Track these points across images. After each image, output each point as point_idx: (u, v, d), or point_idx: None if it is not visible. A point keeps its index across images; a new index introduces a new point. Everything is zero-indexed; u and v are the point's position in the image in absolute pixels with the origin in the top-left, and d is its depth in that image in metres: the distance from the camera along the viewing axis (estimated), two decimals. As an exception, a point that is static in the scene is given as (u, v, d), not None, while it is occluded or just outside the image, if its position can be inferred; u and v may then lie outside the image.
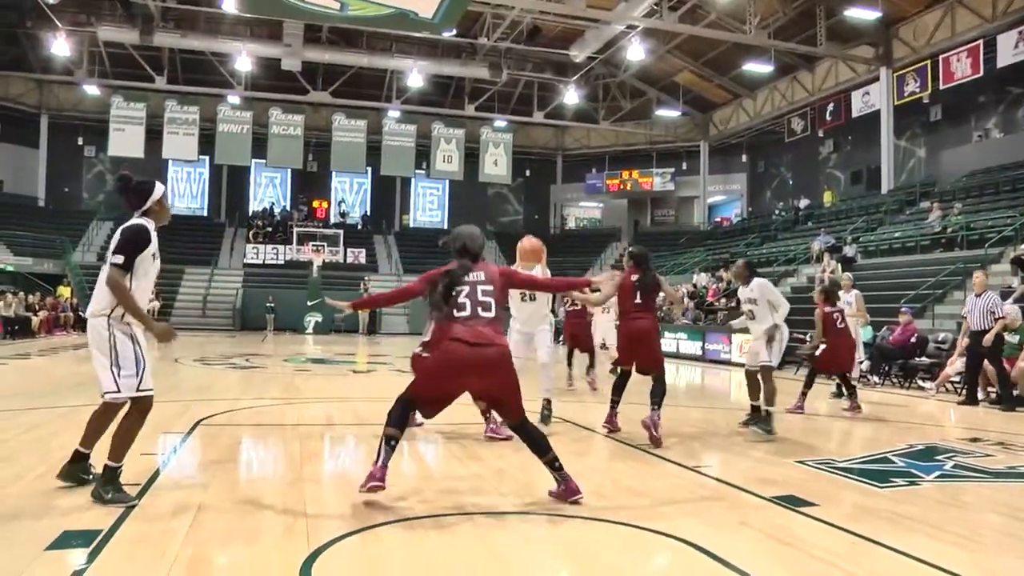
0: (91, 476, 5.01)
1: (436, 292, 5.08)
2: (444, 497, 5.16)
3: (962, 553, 4.19)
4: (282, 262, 38.34)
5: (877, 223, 27.32)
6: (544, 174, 45.70)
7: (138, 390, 4.84)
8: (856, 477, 6.19)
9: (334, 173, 42.57)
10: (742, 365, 12.08)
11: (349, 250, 39.10)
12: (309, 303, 33.77)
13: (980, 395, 12.10)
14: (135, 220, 4.97)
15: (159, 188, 5.09)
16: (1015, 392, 11.55)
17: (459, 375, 4.98)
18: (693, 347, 22.66)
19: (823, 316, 10.34)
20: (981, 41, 24.72)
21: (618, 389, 7.99)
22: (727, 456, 7.21)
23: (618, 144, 43.46)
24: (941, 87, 26.29)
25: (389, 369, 16.31)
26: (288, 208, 42.75)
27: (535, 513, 4.83)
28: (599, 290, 7.22)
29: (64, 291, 31.25)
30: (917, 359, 14.65)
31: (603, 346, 18.37)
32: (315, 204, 43.48)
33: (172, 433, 7.29)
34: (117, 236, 4.89)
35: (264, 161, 38.37)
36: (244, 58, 33.22)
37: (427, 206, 45.88)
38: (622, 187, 43.55)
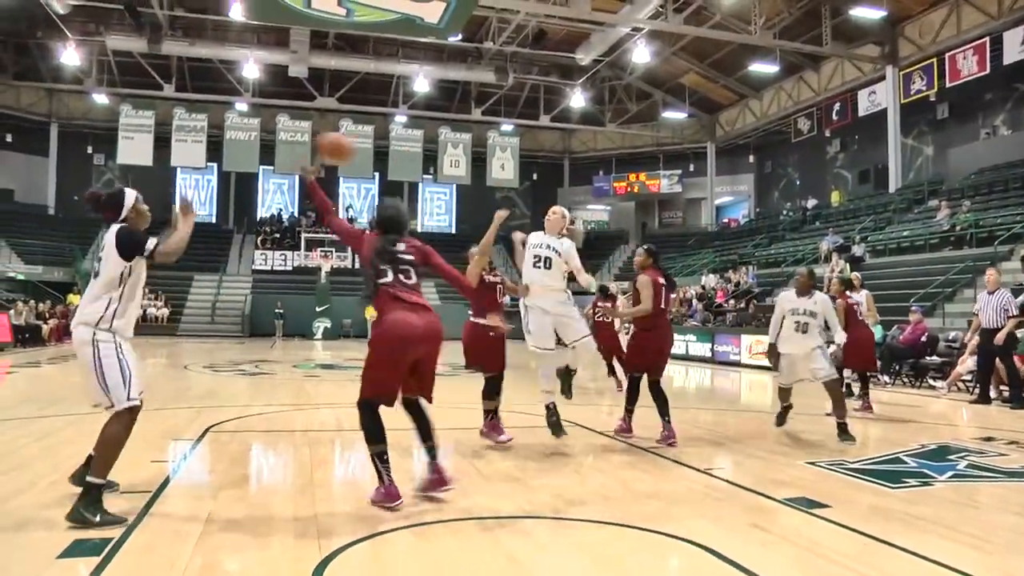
0: (114, 488, 5.02)
1: (372, 265, 5.15)
2: (454, 501, 5.14)
3: (977, 554, 4.16)
4: (291, 268, 38.44)
5: (885, 222, 27.23)
6: (551, 177, 45.71)
7: (128, 399, 4.75)
8: (868, 478, 6.14)
9: (342, 179, 42.62)
10: (751, 367, 12.12)
11: (357, 255, 39.08)
12: (318, 309, 33.87)
13: (992, 394, 12.04)
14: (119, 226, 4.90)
15: (130, 194, 5.04)
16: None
17: (412, 345, 4.96)
18: (703, 349, 22.62)
19: (846, 307, 10.30)
20: (987, 38, 24.66)
21: (634, 397, 7.90)
22: (738, 458, 7.18)
23: (625, 146, 43.44)
24: (948, 85, 26.22)
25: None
26: (296, 214, 42.83)
27: (546, 517, 4.82)
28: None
29: (74, 299, 31.33)
30: (928, 358, 14.60)
31: None
32: (323, 210, 43.43)
33: (182, 440, 7.30)
34: (113, 239, 4.80)
35: (272, 167, 38.46)
36: (251, 65, 33.39)
37: (435, 211, 45.95)
38: (629, 189, 43.53)
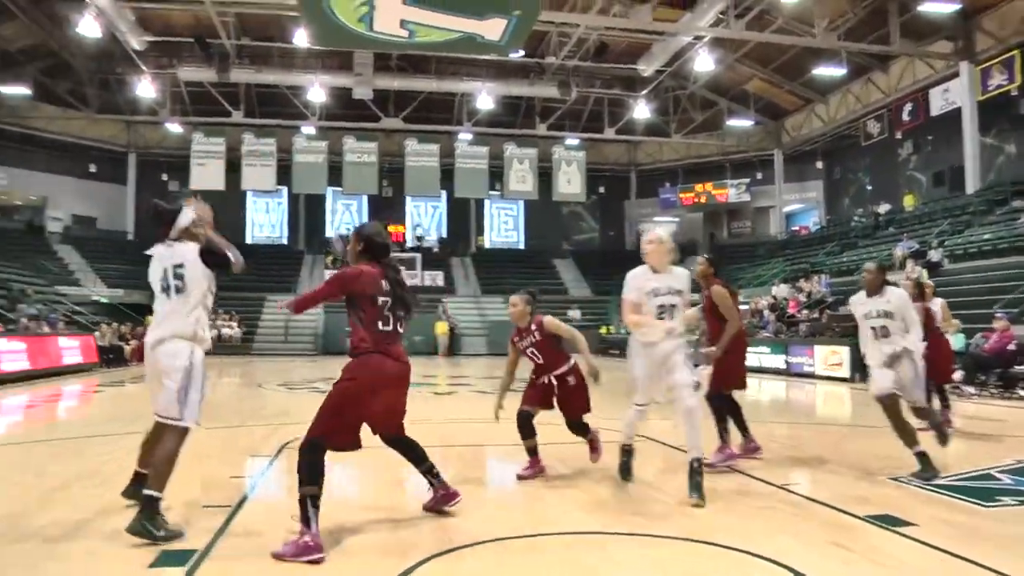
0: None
1: (372, 307, 4.71)
2: (531, 517, 5.14)
3: (1078, 576, 3.98)
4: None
5: (963, 225, 26.37)
6: (618, 190, 45.57)
7: (194, 421, 4.90)
8: (957, 495, 5.90)
9: (409, 197, 43.06)
10: (827, 378, 11.79)
11: (426, 273, 39.44)
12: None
13: None
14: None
15: (185, 216, 5.21)
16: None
17: (379, 393, 4.73)
18: (776, 361, 22.26)
19: (923, 311, 9.44)
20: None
21: (737, 412, 7.50)
22: (816, 473, 7.03)
23: (691, 157, 43.11)
24: (1032, 78, 25.28)
25: (470, 390, 16.38)
26: (366, 234, 43.28)
27: (625, 533, 4.78)
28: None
29: (148, 319, 32.27)
30: (1017, 367, 14.08)
31: None
32: (391, 229, 43.96)
33: (259, 456, 7.42)
34: (197, 256, 5.02)
35: (340, 188, 39.09)
36: (317, 89, 34.01)
37: (502, 227, 46.08)
38: (696, 200, 43.13)
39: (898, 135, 32.36)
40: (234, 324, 33.92)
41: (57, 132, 37.45)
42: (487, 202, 44.18)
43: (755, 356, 22.77)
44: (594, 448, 6.77)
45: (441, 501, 5.17)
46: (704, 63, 31.46)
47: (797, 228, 41.21)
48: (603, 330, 36.23)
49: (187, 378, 4.85)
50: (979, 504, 5.62)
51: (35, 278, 31.13)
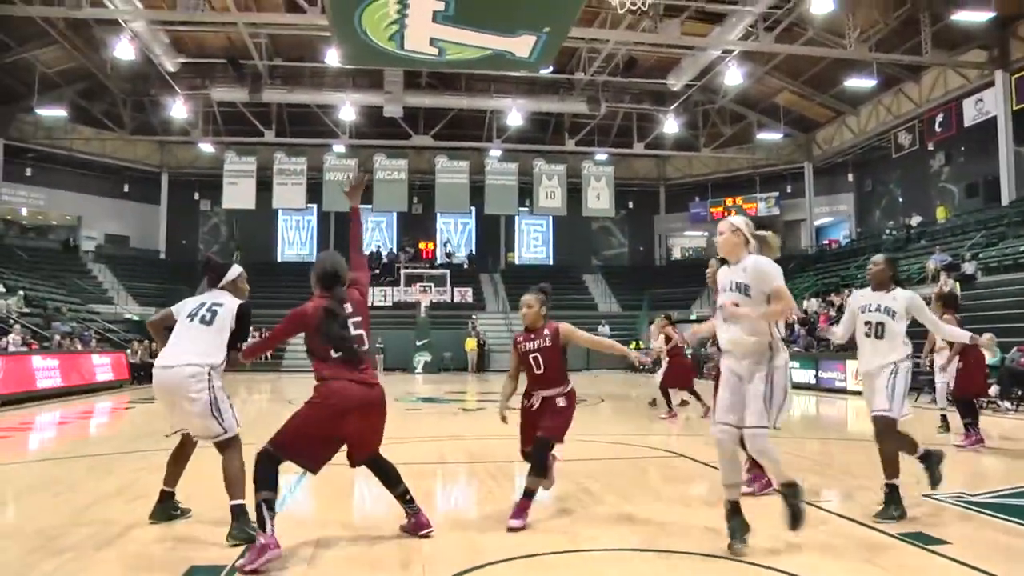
0: (179, 511, 5.44)
1: (325, 338, 4.77)
2: (560, 534, 5.12)
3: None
4: (390, 304, 39.03)
5: (998, 238, 26.01)
6: (647, 205, 45.45)
7: (236, 426, 5.18)
8: (993, 513, 5.79)
9: (439, 214, 43.25)
10: (858, 393, 11.55)
11: (456, 290, 39.55)
12: (418, 343, 34.33)
13: None
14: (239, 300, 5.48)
15: (235, 270, 5.65)
16: None
17: (345, 417, 4.71)
18: (806, 376, 22.06)
19: (956, 323, 9.16)
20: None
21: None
22: (847, 489, 6.95)
23: (720, 171, 42.92)
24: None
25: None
26: (395, 250, 43.59)
27: (653, 550, 4.75)
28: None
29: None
30: (1056, 382, 13.84)
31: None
32: (421, 245, 44.22)
33: (288, 473, 7.44)
34: (236, 311, 5.39)
35: (370, 206, 39.29)
36: (348, 108, 34.31)
37: (532, 243, 46.11)
38: (726, 214, 42.63)
39: (930, 146, 32.01)
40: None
41: (92, 153, 38.08)
42: (516, 218, 44.23)
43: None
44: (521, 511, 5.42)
45: (414, 528, 5.15)
46: (733, 77, 31.35)
47: (827, 241, 40.88)
48: (633, 346, 36.08)
49: (212, 400, 5.07)
50: (1015, 522, 5.51)
51: (69, 296, 31.60)
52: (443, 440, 10.86)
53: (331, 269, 5.00)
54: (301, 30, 28.92)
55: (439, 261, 43.18)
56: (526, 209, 40.84)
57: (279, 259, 42.06)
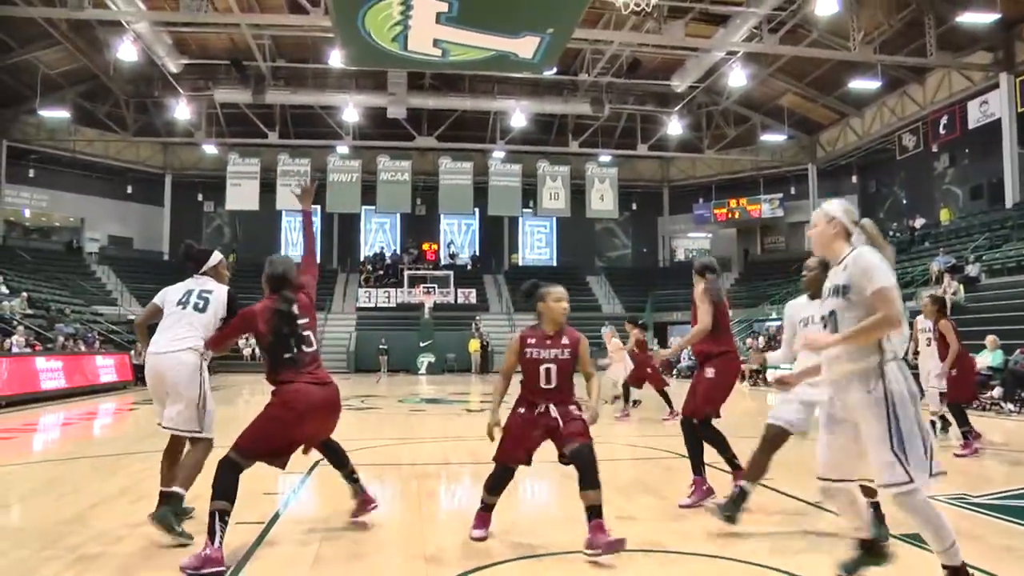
0: (189, 515, 5.38)
1: (275, 338, 4.81)
2: (562, 534, 5.12)
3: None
4: (394, 305, 39.10)
5: (1002, 240, 25.97)
6: (651, 207, 45.44)
7: (212, 432, 5.24)
8: (996, 514, 5.79)
9: (442, 215, 43.26)
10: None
11: (460, 291, 39.57)
12: (421, 344, 34.35)
13: None
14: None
15: (216, 256, 5.77)
16: None
17: (305, 420, 4.77)
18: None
19: (953, 329, 9.20)
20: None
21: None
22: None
23: (724, 172, 42.91)
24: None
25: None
26: (398, 252, 43.64)
27: (655, 551, 4.75)
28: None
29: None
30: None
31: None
32: (425, 247, 44.25)
33: (292, 473, 7.45)
34: (226, 297, 5.52)
35: (374, 207, 39.35)
36: (351, 109, 34.32)
37: (535, 244, 46.13)
38: (730, 216, 42.91)
39: (934, 148, 31.97)
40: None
41: (95, 155, 38.18)
42: (520, 220, 44.26)
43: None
44: (598, 530, 4.76)
45: (361, 506, 5.46)
46: (737, 78, 31.32)
47: (832, 243, 40.78)
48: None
49: (201, 391, 5.17)
50: (1016, 523, 5.51)
51: (73, 298, 31.64)
52: (447, 441, 10.85)
53: (280, 272, 5.06)
54: (304, 31, 28.99)
55: (443, 262, 43.21)
56: (530, 210, 40.84)
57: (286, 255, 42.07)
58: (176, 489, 4.95)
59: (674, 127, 36.66)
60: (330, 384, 4.95)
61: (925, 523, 3.58)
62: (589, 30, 27.21)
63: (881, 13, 27.29)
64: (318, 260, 5.87)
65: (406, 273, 39.95)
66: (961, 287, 21.90)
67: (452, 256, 43.92)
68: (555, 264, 45.25)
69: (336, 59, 29.22)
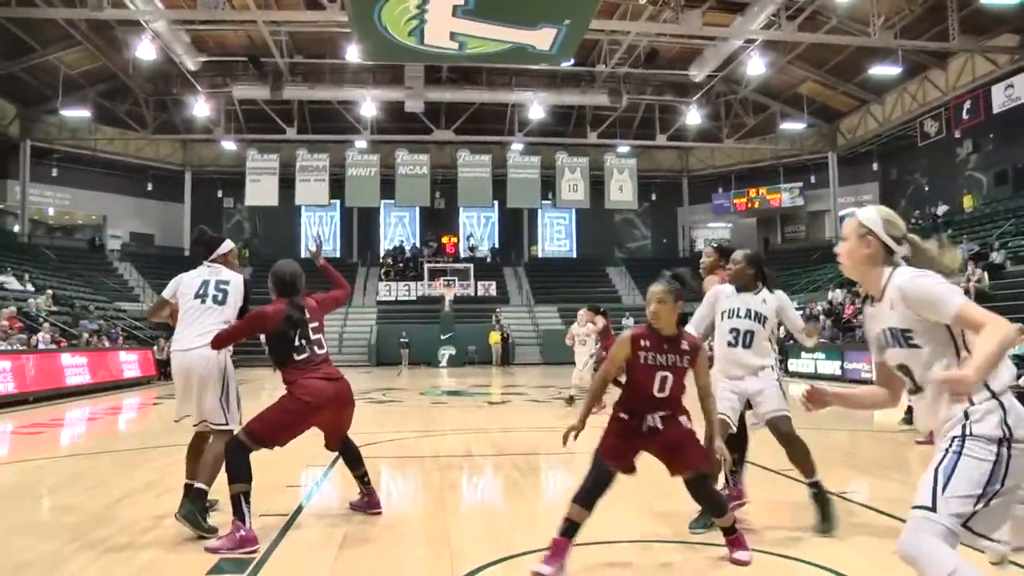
0: (211, 504, 5.38)
1: (288, 341, 4.99)
2: (585, 525, 5.12)
3: None
4: (414, 298, 39.17)
5: (1029, 226, 25.70)
6: (670, 197, 45.24)
7: (239, 423, 5.22)
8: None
9: (461, 208, 43.26)
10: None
11: (480, 283, 39.58)
12: (442, 336, 34.44)
13: None
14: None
15: (227, 244, 5.80)
16: None
17: (318, 412, 4.95)
18: (832, 367, 21.93)
19: None
20: None
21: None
22: (874, 480, 6.92)
23: (743, 161, 42.65)
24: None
25: (524, 400, 16.38)
26: (418, 245, 43.70)
27: (676, 541, 4.75)
28: None
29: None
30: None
31: None
32: (444, 240, 44.29)
33: (315, 466, 7.50)
34: (243, 286, 5.55)
35: (393, 201, 39.42)
36: (369, 104, 34.38)
37: (555, 236, 46.05)
38: (750, 205, 42.68)
39: (956, 134, 31.55)
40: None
41: (116, 153, 38.40)
42: (539, 211, 44.21)
43: (810, 362, 22.47)
44: (737, 544, 4.41)
45: (364, 506, 5.55)
46: (756, 66, 31.09)
47: (853, 231, 40.49)
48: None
49: (225, 384, 5.19)
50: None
51: (96, 295, 31.91)
52: (468, 433, 10.88)
53: (288, 278, 5.22)
54: (321, 27, 29.00)
55: (462, 255, 43.23)
56: (549, 202, 40.79)
57: (302, 255, 42.22)
58: (200, 485, 4.98)
59: (692, 117, 36.47)
60: (341, 379, 5.10)
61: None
62: (606, 21, 27.08)
63: (902, -2, 27.00)
64: (346, 284, 5.98)
65: (426, 266, 40.01)
66: (985, 274, 21.68)
67: (472, 249, 43.94)
68: (575, 256, 45.16)
69: (353, 54, 29.26)
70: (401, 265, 41.68)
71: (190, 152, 41.37)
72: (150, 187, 40.40)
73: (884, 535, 4.84)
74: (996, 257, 23.72)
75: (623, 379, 4.31)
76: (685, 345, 4.26)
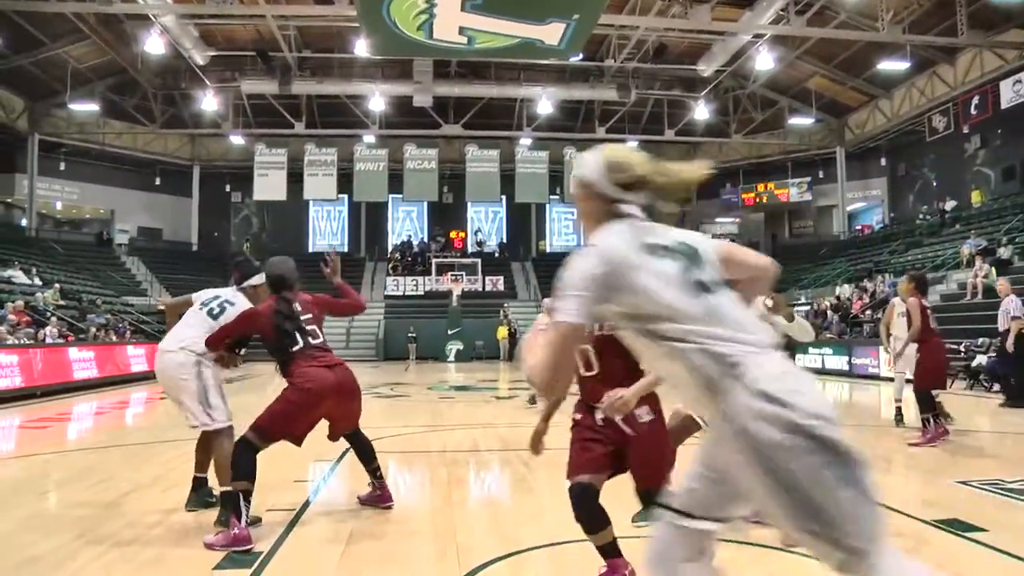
0: (215, 499, 5.41)
1: (281, 333, 5.03)
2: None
3: None
4: (422, 293, 39.22)
5: (1036, 221, 25.60)
6: (678, 192, 45.05)
7: (226, 420, 5.32)
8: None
9: (469, 203, 43.20)
10: (891, 380, 11.30)
11: (487, 278, 39.60)
12: (450, 331, 34.46)
13: None
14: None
15: (259, 276, 5.70)
16: None
17: (322, 400, 4.96)
18: (839, 362, 21.87)
19: (920, 308, 8.63)
20: None
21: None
22: (881, 476, 6.87)
23: (751, 157, 42.54)
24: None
25: (531, 394, 16.37)
26: (426, 240, 43.73)
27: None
28: None
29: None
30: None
31: None
32: (452, 235, 44.31)
33: (322, 461, 7.52)
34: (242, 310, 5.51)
35: (401, 196, 39.38)
36: (377, 98, 34.36)
37: (563, 231, 46.02)
38: (758, 200, 42.59)
39: (965, 129, 31.36)
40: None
41: (124, 147, 38.46)
42: (547, 206, 44.16)
43: (818, 357, 22.41)
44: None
45: (376, 500, 5.56)
46: (764, 61, 31.00)
47: (860, 227, 40.46)
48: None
49: (203, 387, 5.28)
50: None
51: (104, 289, 31.98)
52: (476, 428, 10.88)
53: (278, 274, 5.27)
54: (330, 21, 29.01)
55: (470, 250, 43.23)
56: (557, 197, 40.73)
57: (310, 250, 42.26)
58: (224, 488, 4.99)
59: (701, 112, 36.38)
60: (340, 366, 5.13)
61: None
62: (615, 15, 27.03)
63: (911, -7, 26.88)
64: (359, 303, 5.97)
65: (434, 261, 40.03)
66: (993, 270, 21.58)
67: (479, 244, 43.92)
68: (583, 251, 45.13)
69: (362, 48, 29.22)
70: (409, 260, 41.71)
71: (198, 146, 41.41)
72: (158, 181, 40.47)
73: (892, 530, 4.80)
74: (1004, 252, 23.60)
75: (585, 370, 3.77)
76: None
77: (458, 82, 34.82)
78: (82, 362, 18.90)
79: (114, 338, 24.00)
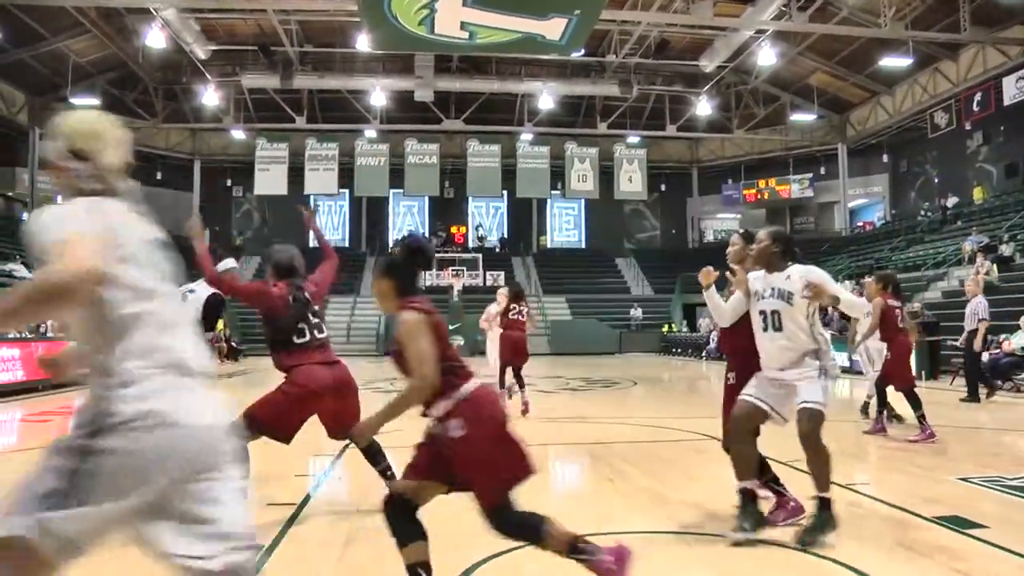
0: None
1: (287, 323, 4.99)
2: (590, 517, 5.13)
3: None
4: (422, 288, 39.12)
5: (1038, 218, 25.60)
6: (680, 188, 45.15)
7: None
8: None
9: (470, 198, 43.26)
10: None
11: (488, 273, 39.57)
12: (451, 327, 34.44)
13: None
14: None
15: (227, 262, 6.08)
16: None
17: (320, 398, 4.94)
18: (840, 358, 21.78)
19: (885, 308, 8.71)
20: None
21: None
22: (882, 473, 6.90)
23: (753, 153, 42.55)
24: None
25: (531, 390, 16.36)
26: (427, 235, 43.72)
27: (683, 532, 4.75)
28: None
29: (218, 324, 32.88)
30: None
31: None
32: (453, 230, 44.32)
33: (323, 456, 7.53)
34: (204, 302, 5.94)
35: (402, 191, 39.40)
36: (379, 93, 34.36)
37: (564, 226, 46.04)
38: (759, 196, 42.59)
39: (967, 126, 31.39)
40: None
41: (125, 141, 38.45)
42: (548, 202, 44.17)
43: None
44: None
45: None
46: (766, 57, 31.01)
47: (862, 223, 40.45)
48: (665, 329, 36.17)
49: None
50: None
51: (106, 283, 31.98)
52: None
53: (287, 262, 5.26)
54: (331, 16, 29.01)
55: (471, 245, 43.22)
56: (558, 192, 40.73)
57: (311, 244, 42.26)
58: None
59: (703, 107, 36.37)
60: (338, 363, 5.11)
61: None
62: (616, 11, 27.00)
63: (913, -12, 26.84)
64: (334, 253, 5.85)
65: (435, 256, 39.98)
66: (994, 267, 21.58)
67: (480, 239, 43.93)
68: (584, 246, 45.17)
69: (363, 43, 29.23)
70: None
71: (199, 141, 41.46)
72: (159, 176, 40.40)
73: (892, 527, 4.83)
74: (1005, 249, 23.61)
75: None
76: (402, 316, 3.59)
77: (459, 77, 34.83)
78: (83, 356, 18.90)
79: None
